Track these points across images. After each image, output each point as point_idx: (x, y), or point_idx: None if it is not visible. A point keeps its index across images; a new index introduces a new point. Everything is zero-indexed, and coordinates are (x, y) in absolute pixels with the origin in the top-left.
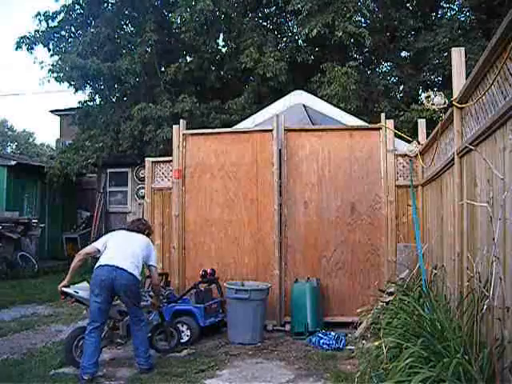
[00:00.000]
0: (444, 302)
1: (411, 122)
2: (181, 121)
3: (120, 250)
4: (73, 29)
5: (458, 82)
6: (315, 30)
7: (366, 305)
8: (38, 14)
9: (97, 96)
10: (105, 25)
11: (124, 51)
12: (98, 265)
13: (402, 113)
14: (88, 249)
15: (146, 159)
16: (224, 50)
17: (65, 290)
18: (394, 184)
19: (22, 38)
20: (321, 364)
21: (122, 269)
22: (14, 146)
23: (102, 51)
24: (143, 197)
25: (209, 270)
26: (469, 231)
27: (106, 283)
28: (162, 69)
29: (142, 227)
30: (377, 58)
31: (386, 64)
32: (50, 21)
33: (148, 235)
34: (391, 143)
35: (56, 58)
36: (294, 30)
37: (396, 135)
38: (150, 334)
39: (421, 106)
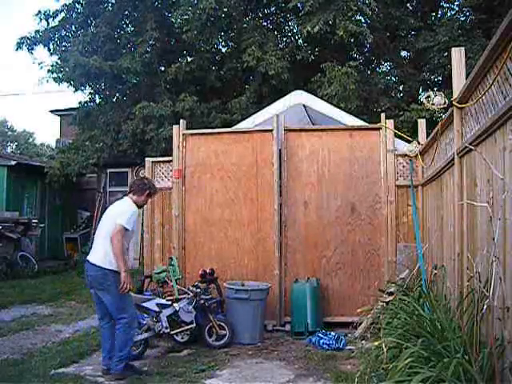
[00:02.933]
0: (444, 301)
1: (411, 122)
2: (181, 121)
3: (95, 237)
4: (73, 28)
5: (458, 82)
6: (317, 27)
7: (366, 305)
8: (39, 12)
9: (97, 96)
10: (105, 24)
11: (124, 51)
12: None
13: (401, 112)
14: None
15: (146, 159)
16: (224, 49)
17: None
18: (394, 184)
19: (22, 38)
20: (321, 364)
21: (88, 261)
22: (14, 146)
23: (103, 51)
24: None
25: (208, 270)
26: (469, 231)
27: (86, 279)
28: (163, 68)
29: (133, 188)
30: (377, 57)
31: (386, 64)
32: (50, 19)
33: (149, 196)
34: (391, 143)
35: (56, 58)
36: (294, 30)
37: (396, 135)
38: (193, 325)
39: (421, 105)
